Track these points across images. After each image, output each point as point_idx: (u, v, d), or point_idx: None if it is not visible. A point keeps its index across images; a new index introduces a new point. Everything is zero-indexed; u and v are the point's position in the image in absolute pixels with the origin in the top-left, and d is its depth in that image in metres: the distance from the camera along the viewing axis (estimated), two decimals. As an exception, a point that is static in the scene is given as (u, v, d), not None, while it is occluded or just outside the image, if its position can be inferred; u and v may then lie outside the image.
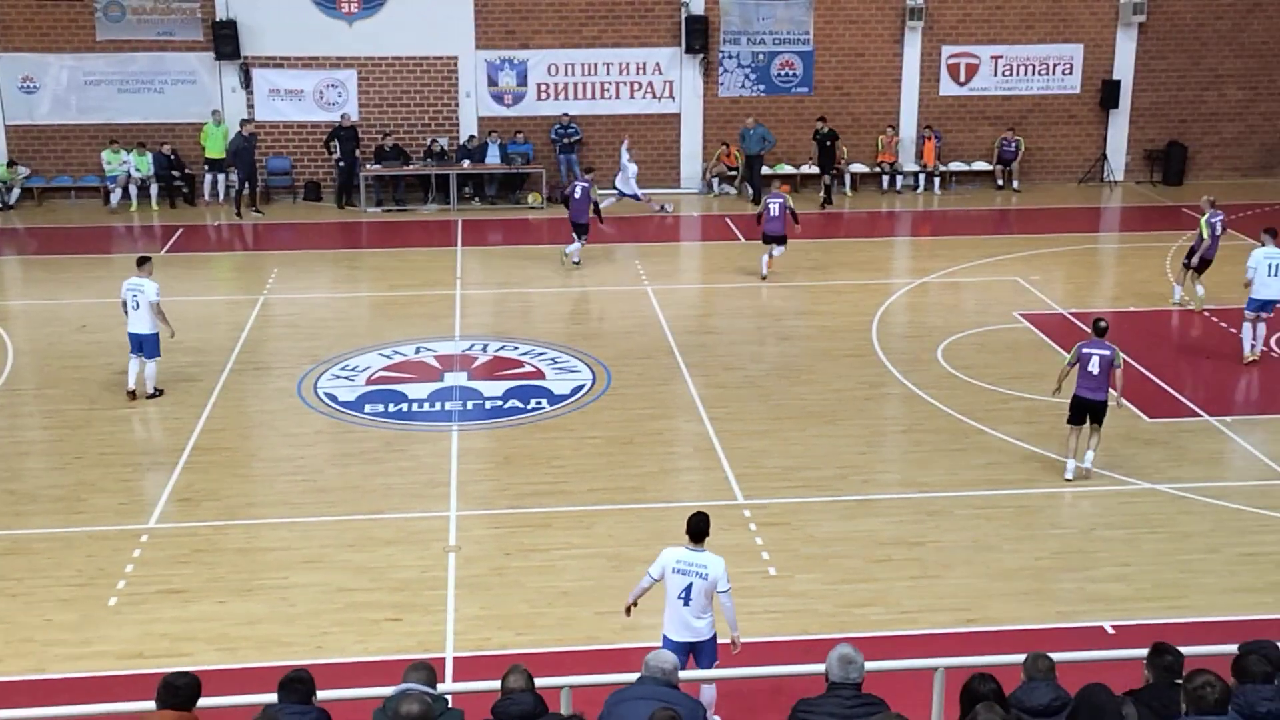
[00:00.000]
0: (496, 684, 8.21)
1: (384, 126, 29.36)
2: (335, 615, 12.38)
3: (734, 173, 30.42)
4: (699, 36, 29.46)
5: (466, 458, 15.97)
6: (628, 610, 10.74)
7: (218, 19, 28.47)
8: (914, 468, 15.77)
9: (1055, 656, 8.14)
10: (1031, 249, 25.63)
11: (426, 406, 17.58)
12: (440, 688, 8.41)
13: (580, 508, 14.59)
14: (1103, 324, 15.30)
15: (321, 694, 8.20)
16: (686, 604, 10.23)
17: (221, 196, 28.95)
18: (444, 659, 11.61)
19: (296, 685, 8.00)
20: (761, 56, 30.16)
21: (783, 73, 30.28)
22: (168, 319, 17.66)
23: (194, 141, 28.89)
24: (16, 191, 28.78)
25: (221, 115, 28.51)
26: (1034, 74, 30.91)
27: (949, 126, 30.91)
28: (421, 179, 29.39)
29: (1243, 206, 28.21)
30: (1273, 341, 19.84)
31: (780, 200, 23.22)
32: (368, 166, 28.80)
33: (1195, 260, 21.52)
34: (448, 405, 17.60)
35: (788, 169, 30.55)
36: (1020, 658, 8.16)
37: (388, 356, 19.41)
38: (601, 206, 24.99)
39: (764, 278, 23.34)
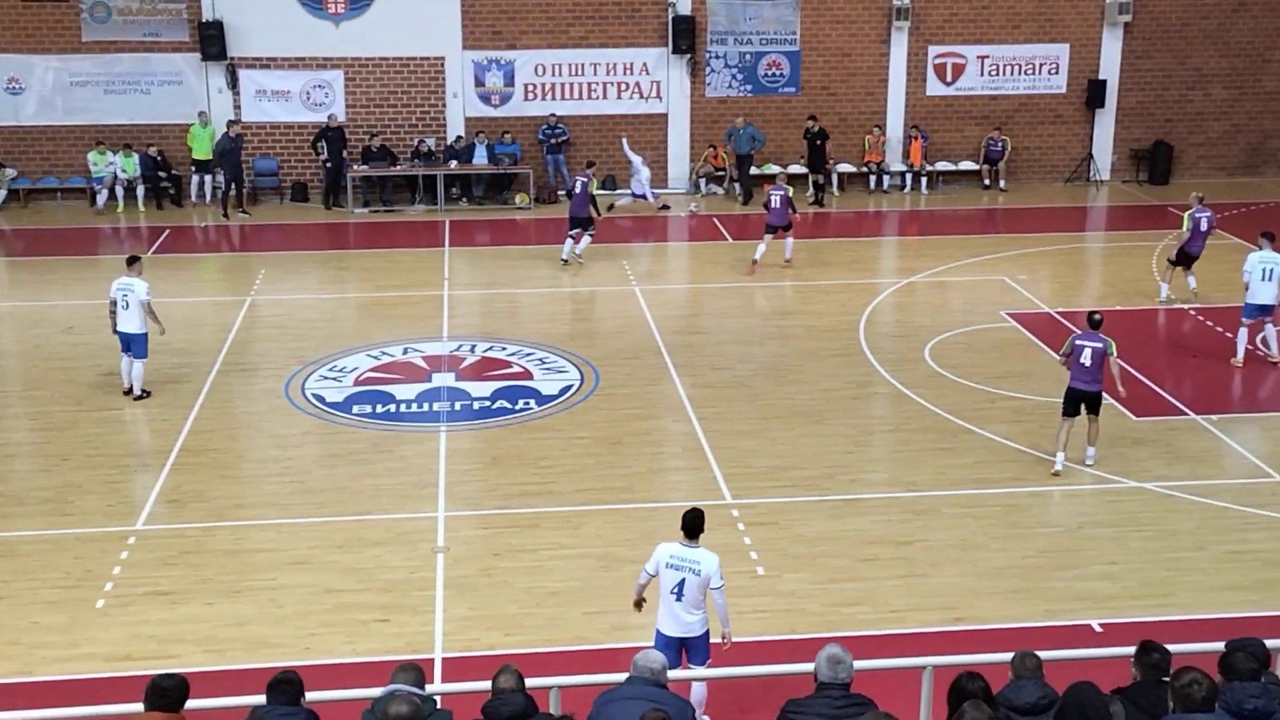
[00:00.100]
0: (485, 684, 8.21)
1: (371, 127, 29.32)
2: (323, 616, 12.37)
3: (721, 173, 30.43)
4: (686, 37, 29.47)
5: (454, 458, 15.96)
6: (637, 605, 10.73)
7: (204, 20, 28.39)
8: (902, 467, 15.80)
9: (1043, 655, 8.15)
10: (1018, 248, 25.69)
11: (414, 407, 17.56)
12: (429, 688, 8.40)
13: (568, 508, 14.59)
14: (1097, 317, 15.46)
15: (310, 695, 8.20)
16: (679, 599, 10.28)
17: (208, 198, 28.88)
18: (432, 660, 11.60)
19: (285, 687, 7.99)
20: (748, 56, 30.18)
21: (770, 73, 30.31)
22: (158, 317, 17.66)
23: (181, 142, 28.82)
24: (2, 193, 28.68)
25: (208, 116, 28.45)
26: (1020, 74, 30.97)
27: (935, 126, 30.96)
28: (409, 180, 29.36)
29: (1228, 205, 28.29)
30: (1258, 340, 19.88)
31: (781, 193, 23.77)
32: (355, 167, 28.76)
33: (1174, 255, 21.72)
34: (436, 406, 17.59)
35: (775, 169, 30.53)
36: (1008, 656, 8.17)
37: (375, 357, 19.39)
38: (617, 204, 25.21)
39: (752, 269, 23.75)
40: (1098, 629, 12.14)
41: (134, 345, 17.60)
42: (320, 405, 17.60)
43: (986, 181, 30.98)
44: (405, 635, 12.07)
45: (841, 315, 21.38)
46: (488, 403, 17.71)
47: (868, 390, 18.26)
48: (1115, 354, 15.26)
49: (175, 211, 28.81)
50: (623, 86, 29.96)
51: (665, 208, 29.02)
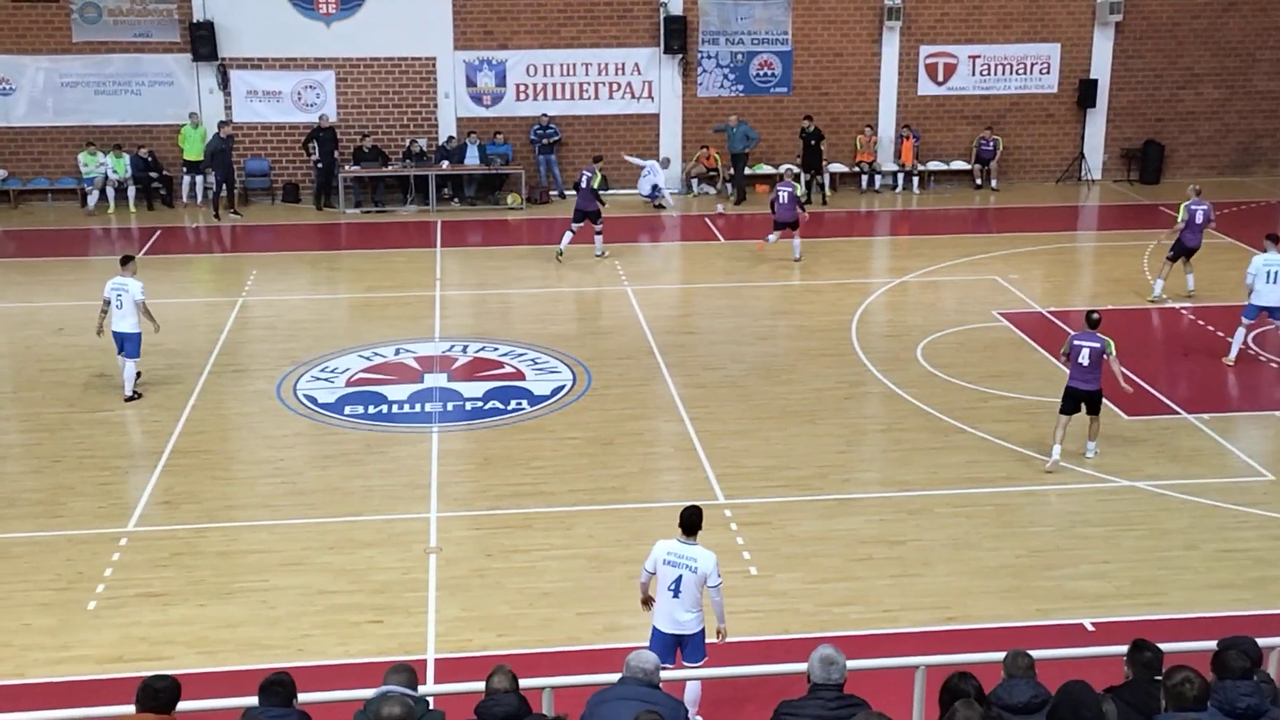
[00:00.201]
0: (478, 685, 8.21)
1: (363, 128, 29.29)
2: (316, 618, 12.35)
3: (713, 173, 30.43)
4: (678, 37, 29.47)
5: (447, 459, 15.95)
6: (645, 604, 10.72)
7: (195, 20, 28.35)
8: (894, 466, 15.81)
9: (1035, 654, 8.16)
10: (1010, 248, 25.72)
11: (406, 408, 17.55)
12: (421, 690, 8.39)
13: (561, 508, 14.59)
14: (1095, 316, 15.55)
15: (302, 697, 8.19)
16: (676, 596, 10.32)
17: (200, 198, 28.84)
18: (425, 661, 11.59)
19: (277, 688, 7.98)
20: (740, 56, 30.19)
21: (761, 73, 30.31)
22: (153, 315, 17.66)
23: (172, 143, 28.77)
24: (-7, 194, 28.68)
25: (199, 117, 28.40)
26: (1012, 73, 31.01)
27: (927, 126, 30.99)
28: (400, 180, 29.33)
29: (1219, 205, 28.19)
30: (1249, 339, 19.92)
31: (789, 189, 24.19)
32: (346, 168, 28.73)
33: (1171, 250, 21.80)
34: (428, 407, 17.57)
35: (767, 169, 30.58)
36: (1000, 655, 8.18)
37: (367, 358, 19.38)
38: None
39: (761, 245, 24.48)
40: (1090, 628, 12.16)
41: (127, 345, 17.60)
42: (312, 406, 17.58)
43: (978, 181, 31.00)
44: (398, 636, 12.06)
45: (833, 315, 21.39)
46: (480, 403, 17.69)
47: (860, 390, 18.27)
48: (1114, 355, 15.34)
49: (166, 212, 28.76)
50: (614, 87, 29.96)
51: (660, 206, 29.05)
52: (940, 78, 30.87)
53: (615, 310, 21.93)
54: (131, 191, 28.67)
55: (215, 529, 14.15)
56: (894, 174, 30.93)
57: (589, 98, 29.97)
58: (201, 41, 28.30)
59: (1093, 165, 31.64)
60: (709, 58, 30.08)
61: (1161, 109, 31.66)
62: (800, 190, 24.51)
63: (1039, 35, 30.81)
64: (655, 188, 29.03)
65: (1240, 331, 19.07)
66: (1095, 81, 30.93)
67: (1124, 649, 8.30)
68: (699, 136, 30.24)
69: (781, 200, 24.09)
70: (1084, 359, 15.28)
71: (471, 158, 29.15)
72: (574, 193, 29.17)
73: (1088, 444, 15.73)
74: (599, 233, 24.77)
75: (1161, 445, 16.31)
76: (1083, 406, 15.50)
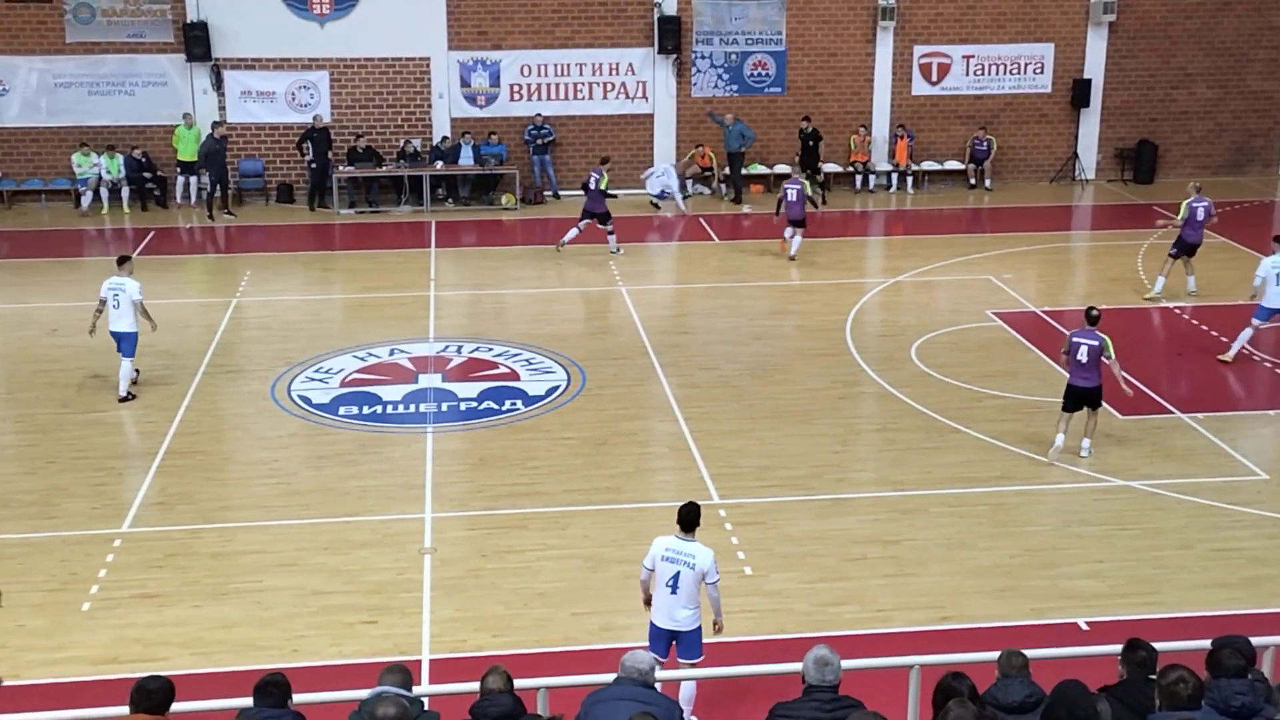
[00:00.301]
0: (473, 686, 8.21)
1: (357, 128, 29.27)
2: (310, 618, 12.34)
3: (708, 173, 30.41)
4: (672, 37, 29.46)
5: (441, 459, 15.94)
6: (648, 603, 10.74)
7: (188, 20, 28.32)
8: (888, 466, 15.82)
9: (1030, 653, 8.16)
10: (1004, 248, 25.74)
11: (401, 408, 17.54)
12: (416, 690, 8.39)
13: (556, 509, 14.58)
14: (1094, 312, 15.68)
15: (297, 697, 8.18)
16: (674, 592, 10.35)
17: (194, 199, 28.79)
18: (420, 661, 11.59)
19: (272, 689, 7.98)
20: (734, 56, 30.19)
21: (755, 73, 30.32)
22: (150, 314, 17.69)
23: (165, 144, 28.74)
24: (-14, 195, 28.65)
25: (193, 118, 28.36)
26: (1005, 73, 31.03)
27: (921, 126, 31.00)
28: (395, 180, 29.30)
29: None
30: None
31: (798, 186, 24.37)
32: (340, 168, 28.70)
33: (1173, 247, 21.88)
34: (422, 407, 17.56)
35: (761, 169, 30.59)
36: (995, 655, 8.19)
37: (362, 358, 19.36)
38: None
39: (791, 257, 24.52)
40: (1084, 627, 12.17)
41: (124, 344, 17.62)
42: (307, 407, 17.57)
43: (972, 181, 31.02)
44: (393, 637, 12.05)
45: (828, 315, 21.40)
46: (474, 403, 17.69)
47: (854, 390, 18.28)
48: (1113, 355, 15.40)
49: (160, 213, 28.72)
50: (608, 87, 29.95)
51: (655, 206, 29.07)
52: (934, 78, 30.88)
53: (610, 310, 21.93)
54: (125, 192, 28.62)
55: (210, 530, 14.13)
56: (888, 174, 30.94)
57: (583, 98, 29.96)
58: (195, 42, 28.26)
59: (1086, 165, 31.67)
60: (703, 58, 30.08)
61: (1155, 109, 31.69)
62: (809, 189, 24.67)
63: (1033, 35, 30.83)
64: (665, 190, 28.98)
65: (1247, 332, 19.06)
66: (1089, 81, 30.96)
67: (1118, 648, 8.31)
68: (693, 136, 30.22)
69: (790, 198, 24.34)
70: (1083, 356, 15.42)
71: (466, 158, 29.13)
72: (569, 194, 29.34)
73: (1083, 441, 15.78)
74: (611, 232, 24.86)
75: (1156, 445, 16.33)
76: (1083, 404, 15.62)
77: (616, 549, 13.54)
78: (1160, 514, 14.49)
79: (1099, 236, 27.63)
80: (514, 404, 17.66)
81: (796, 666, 8.12)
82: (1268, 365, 19.17)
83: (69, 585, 12.90)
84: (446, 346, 19.91)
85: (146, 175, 28.84)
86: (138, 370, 18.02)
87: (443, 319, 21.29)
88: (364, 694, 8.08)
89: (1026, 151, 31.62)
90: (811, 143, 29.54)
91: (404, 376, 18.68)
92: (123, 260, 18.11)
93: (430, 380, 18.50)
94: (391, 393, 18.04)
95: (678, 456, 16.06)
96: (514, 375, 18.73)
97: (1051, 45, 30.91)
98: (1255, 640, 8.50)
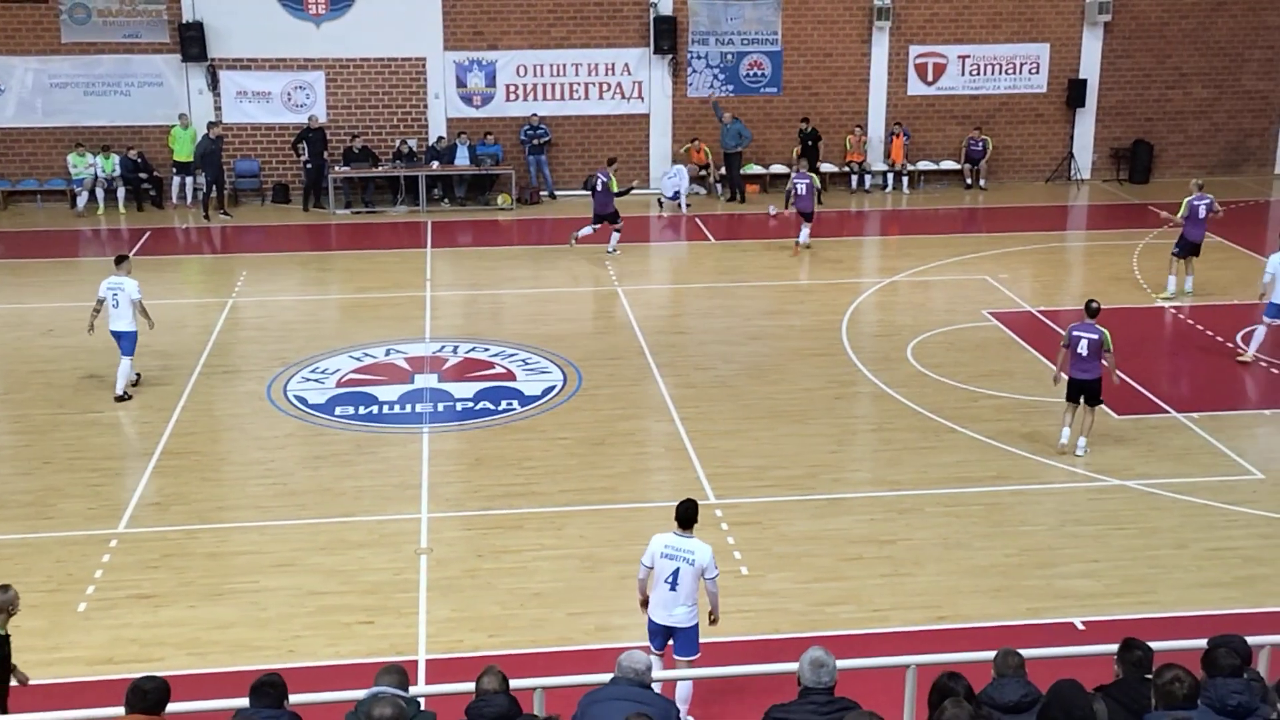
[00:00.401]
0: (469, 686, 8.21)
1: (353, 128, 29.26)
2: (306, 619, 12.34)
3: (704, 171, 30.37)
4: (667, 37, 29.47)
5: (437, 460, 15.94)
6: (644, 605, 10.77)
7: (184, 21, 28.31)
8: (884, 466, 15.83)
9: (1025, 653, 8.17)
10: (1000, 248, 25.75)
11: (397, 409, 17.53)
12: (412, 690, 8.40)
13: (552, 509, 14.59)
14: (1094, 305, 15.76)
15: (293, 698, 8.19)
16: (673, 589, 10.39)
17: (189, 199, 28.79)
18: (416, 661, 11.59)
19: (268, 690, 7.98)
20: (730, 57, 30.20)
21: (751, 73, 30.32)
22: (148, 313, 17.73)
23: (161, 144, 28.73)
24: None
25: (189, 119, 28.34)
26: (1001, 73, 31.05)
27: (917, 126, 31.03)
28: (390, 180, 29.30)
29: (1208, 204, 28.38)
30: (1237, 338, 19.99)
31: (807, 180, 24.85)
32: (336, 168, 28.69)
33: (1176, 246, 21.96)
34: (418, 407, 17.56)
35: (757, 169, 30.59)
36: (991, 654, 8.19)
37: (358, 359, 19.36)
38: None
39: (807, 246, 25.06)
40: (1080, 627, 12.18)
41: (123, 342, 17.68)
42: (303, 407, 17.56)
43: (969, 181, 31.04)
44: (389, 637, 12.05)
45: (824, 315, 21.41)
46: (470, 404, 17.69)
47: (850, 390, 18.29)
48: (1111, 349, 15.56)
49: (156, 213, 28.71)
50: (604, 87, 29.95)
51: (661, 204, 29.10)
52: (930, 78, 30.90)
53: (606, 310, 21.93)
54: (121, 192, 28.60)
55: (206, 530, 14.13)
56: (884, 174, 30.95)
57: (579, 98, 29.96)
58: (191, 42, 28.25)
59: (1082, 165, 31.69)
60: (699, 58, 30.09)
61: (1150, 108, 31.72)
62: (818, 182, 25.06)
63: (1028, 35, 30.86)
64: (676, 190, 29.00)
65: (1261, 330, 19.06)
66: (1084, 81, 30.99)
67: (1114, 648, 8.32)
68: (690, 135, 30.19)
69: (800, 191, 24.83)
70: (1083, 349, 15.58)
71: (461, 158, 29.13)
72: (565, 194, 29.37)
73: (1079, 439, 15.81)
74: (618, 230, 24.93)
75: (1152, 444, 16.35)
76: (1081, 395, 15.75)
77: (612, 549, 13.54)
78: (1156, 513, 14.50)
79: (1094, 236, 27.65)
80: (510, 404, 17.66)
81: (792, 666, 8.12)
82: (1263, 365, 19.18)
83: (65, 586, 12.89)
84: (443, 347, 19.90)
85: (142, 175, 28.83)
86: (138, 375, 18.02)
87: (439, 319, 21.29)
88: (360, 694, 8.09)
89: (1022, 151, 31.65)
90: (811, 142, 29.55)
91: (400, 377, 18.67)
92: (120, 259, 18.14)
93: (426, 380, 18.50)
94: (388, 393, 18.04)
95: (674, 456, 16.06)
96: (510, 375, 18.73)
97: (1047, 45, 30.94)
98: (1251, 639, 8.51)
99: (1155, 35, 31.18)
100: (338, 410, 17.47)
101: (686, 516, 10.54)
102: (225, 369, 19.02)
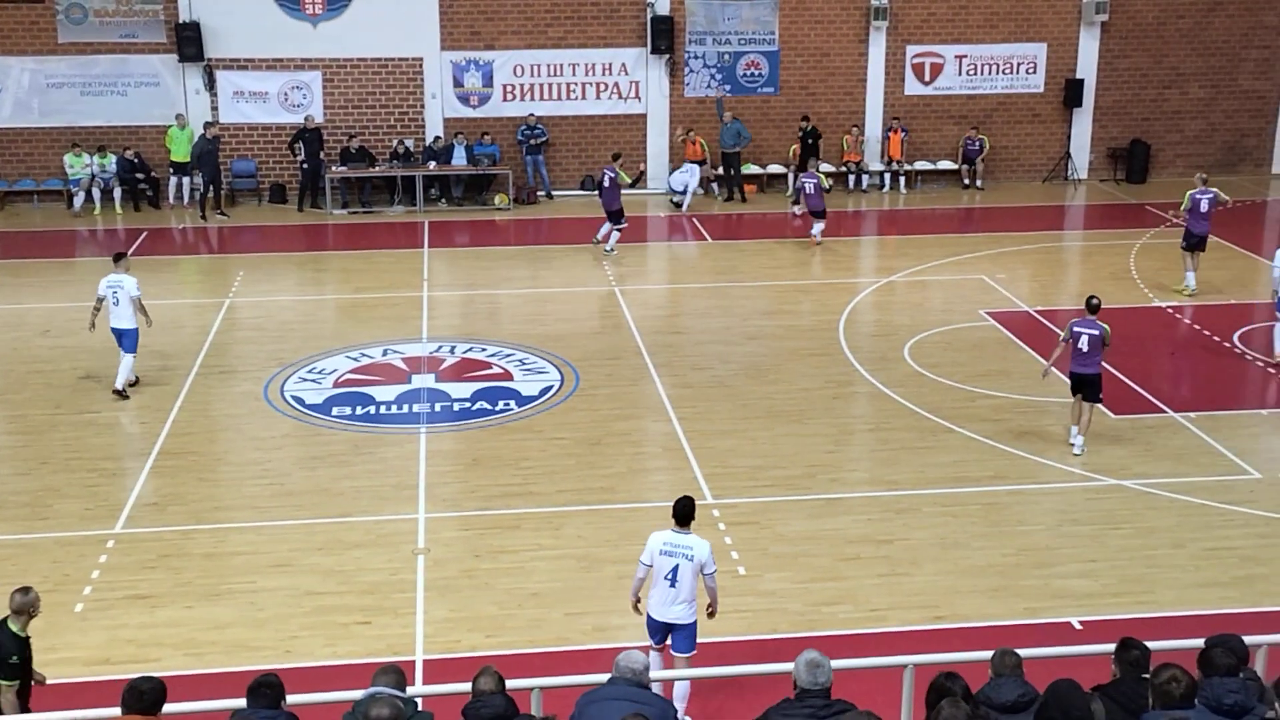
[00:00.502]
0: (467, 686, 8.20)
1: (349, 128, 29.24)
2: (304, 619, 12.34)
3: (701, 165, 30.06)
4: (664, 37, 29.46)
5: (435, 460, 15.93)
6: (635, 607, 10.79)
7: (181, 21, 28.29)
8: (882, 466, 15.83)
9: (1023, 652, 8.17)
10: (997, 247, 25.76)
11: (394, 409, 17.53)
12: (410, 691, 8.39)
13: (549, 509, 14.58)
14: (1095, 302, 15.84)
15: (291, 698, 8.18)
16: (673, 585, 10.43)
17: (186, 199, 28.77)
18: (414, 662, 11.58)
19: (265, 690, 7.97)
20: (727, 56, 30.19)
21: (748, 73, 30.32)
22: (146, 311, 17.74)
23: (158, 144, 28.70)
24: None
25: (186, 119, 28.32)
26: (998, 73, 31.06)
27: (914, 126, 31.02)
28: (387, 181, 29.29)
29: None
30: (1234, 337, 20.00)
31: (815, 180, 25.35)
32: (333, 169, 28.67)
33: (1183, 241, 22.07)
34: (415, 407, 17.55)
35: (754, 169, 30.58)
36: (988, 654, 8.19)
37: (355, 359, 19.35)
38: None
39: (819, 242, 25.64)
40: (1077, 626, 12.19)
41: (125, 340, 17.72)
42: (300, 407, 17.55)
43: (966, 181, 31.03)
44: (386, 637, 12.04)
45: (821, 315, 21.41)
46: (468, 404, 17.68)
47: (848, 389, 18.29)
48: (1109, 343, 15.78)
49: (153, 213, 28.68)
50: (601, 87, 29.95)
51: (676, 205, 29.10)
52: (927, 77, 30.90)
53: (603, 310, 21.92)
54: (118, 193, 28.57)
55: (203, 530, 14.12)
56: (881, 174, 30.95)
57: (576, 98, 29.95)
58: (188, 42, 28.22)
59: (1079, 164, 31.70)
60: (696, 58, 30.08)
61: (1147, 108, 31.73)
62: (825, 181, 25.28)
63: (1025, 35, 30.87)
64: (686, 187, 29.00)
65: (1279, 328, 19.08)
66: (1081, 81, 31.00)
67: (1111, 647, 8.32)
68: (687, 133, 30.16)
69: (808, 190, 25.48)
70: (1084, 345, 15.67)
71: (459, 158, 29.12)
72: (562, 194, 29.37)
73: (1076, 437, 15.82)
74: (619, 228, 24.95)
75: (1149, 444, 16.35)
76: (1081, 389, 15.85)
77: (610, 549, 13.54)
78: (1153, 513, 14.51)
79: (1091, 236, 27.65)
80: (507, 404, 17.65)
81: (790, 666, 8.11)
82: (1260, 364, 19.19)
83: (62, 586, 12.88)
84: (440, 347, 19.90)
85: (139, 176, 28.80)
86: (136, 378, 18.00)
87: (436, 319, 21.28)
88: (358, 695, 8.08)
89: (1019, 151, 31.66)
90: (811, 141, 29.53)
91: (397, 377, 18.67)
92: (119, 257, 18.19)
93: (424, 380, 18.49)
94: (385, 393, 18.03)
95: (671, 456, 16.06)
96: (507, 375, 18.73)
97: (1044, 45, 30.95)
98: (1248, 639, 8.50)
99: (1152, 35, 31.19)
100: (335, 410, 17.46)
101: (684, 513, 10.59)
102: (222, 369, 19.01)
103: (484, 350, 19.71)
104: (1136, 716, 7.69)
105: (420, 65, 29.31)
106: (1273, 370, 18.81)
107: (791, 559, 13.46)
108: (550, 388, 18.23)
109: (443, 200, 29.45)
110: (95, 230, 27.49)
